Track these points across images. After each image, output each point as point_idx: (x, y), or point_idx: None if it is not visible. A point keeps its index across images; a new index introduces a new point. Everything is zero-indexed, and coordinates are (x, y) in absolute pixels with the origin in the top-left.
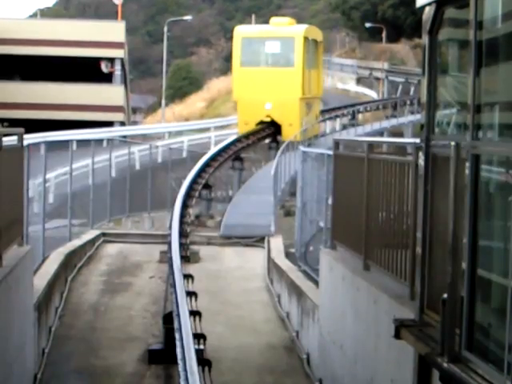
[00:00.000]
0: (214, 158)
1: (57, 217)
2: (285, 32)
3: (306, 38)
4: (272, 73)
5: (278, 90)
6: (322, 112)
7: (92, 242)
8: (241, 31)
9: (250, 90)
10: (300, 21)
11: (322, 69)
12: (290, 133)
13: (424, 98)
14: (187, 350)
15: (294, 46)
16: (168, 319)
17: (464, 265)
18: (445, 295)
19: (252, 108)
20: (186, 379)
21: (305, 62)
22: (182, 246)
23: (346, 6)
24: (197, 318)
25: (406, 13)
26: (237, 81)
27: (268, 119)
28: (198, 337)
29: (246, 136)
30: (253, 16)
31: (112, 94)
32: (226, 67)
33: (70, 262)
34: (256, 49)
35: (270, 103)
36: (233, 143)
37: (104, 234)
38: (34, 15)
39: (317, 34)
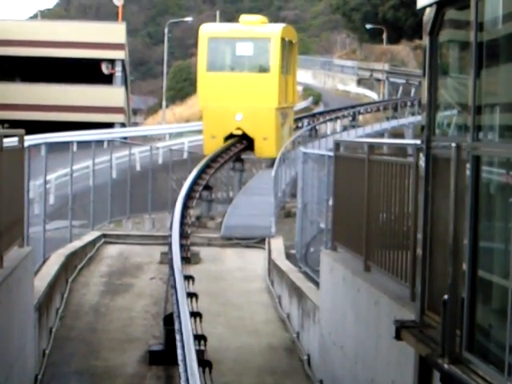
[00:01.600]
0: (214, 159)
1: (57, 218)
2: (259, 32)
3: (283, 39)
4: (244, 79)
5: (251, 98)
6: (321, 114)
7: (93, 243)
8: (207, 30)
9: (218, 99)
10: (301, 22)
11: (296, 74)
12: (264, 148)
13: (425, 100)
14: (188, 351)
15: (269, 48)
16: (169, 320)
17: (464, 266)
18: (445, 296)
19: (220, 119)
20: (187, 380)
21: (282, 66)
22: (182, 247)
23: (346, 8)
24: (197, 319)
25: (407, 14)
26: (202, 87)
27: (239, 132)
28: (199, 338)
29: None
30: (217, 12)
31: (112, 95)
32: None
33: (71, 263)
34: (225, 51)
35: (241, 114)
36: (233, 144)
37: (105, 235)
38: (34, 16)
39: (292, 34)
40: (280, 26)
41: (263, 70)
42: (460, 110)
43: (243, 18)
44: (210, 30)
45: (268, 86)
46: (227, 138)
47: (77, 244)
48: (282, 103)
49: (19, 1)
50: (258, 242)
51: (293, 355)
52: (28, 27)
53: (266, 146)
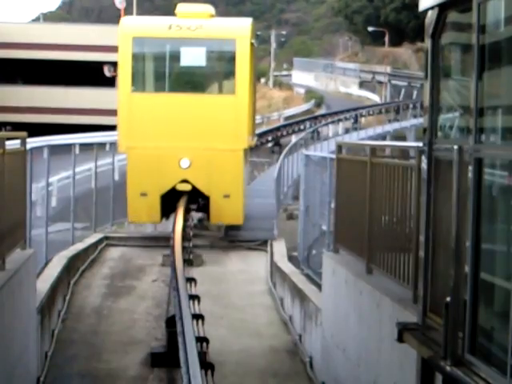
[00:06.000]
0: None
1: (60, 220)
2: (217, 30)
3: (251, 42)
4: (192, 104)
5: (205, 134)
6: (324, 116)
7: (95, 245)
8: (131, 27)
9: (151, 136)
10: (303, 25)
11: (256, 90)
12: (225, 210)
13: (427, 102)
14: (190, 353)
15: (235, 55)
16: (171, 322)
17: (467, 268)
18: (448, 299)
19: (154, 168)
20: (189, 382)
21: (251, 83)
22: (184, 249)
23: (348, 10)
24: (200, 322)
25: (409, 16)
26: (125, 118)
27: (185, 187)
28: (201, 340)
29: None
30: None
31: (115, 98)
32: None
33: (73, 266)
34: (161, 60)
35: (188, 159)
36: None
37: (107, 238)
38: (36, 19)
39: (254, 32)
40: (246, 21)
41: (224, 90)
42: (462, 112)
43: (181, 8)
44: (135, 26)
45: (232, 116)
46: (166, 197)
47: (79, 246)
48: (249, 140)
49: (21, 4)
50: (260, 244)
51: (295, 357)
52: (30, 30)
53: (227, 208)
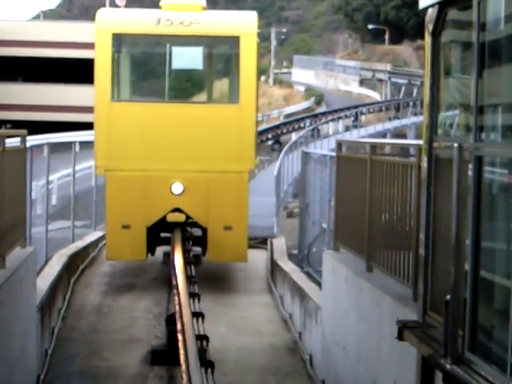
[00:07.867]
0: None
1: (60, 218)
2: (215, 26)
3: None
4: (187, 116)
5: (201, 153)
6: (324, 114)
7: (95, 243)
8: (110, 21)
9: (135, 155)
10: (304, 23)
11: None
12: (225, 245)
13: (427, 100)
14: (190, 351)
15: (238, 55)
16: (171, 320)
17: (467, 266)
18: (448, 297)
19: (140, 194)
20: (189, 380)
21: (256, 89)
22: (184, 247)
23: (348, 8)
24: (200, 320)
25: (409, 14)
26: (103, 132)
27: (178, 217)
28: (201, 338)
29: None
30: None
31: None
32: None
33: (73, 264)
34: (147, 62)
35: (181, 184)
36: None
37: None
38: (36, 17)
39: (258, 29)
40: (250, 15)
41: (226, 98)
42: (462, 110)
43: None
44: (116, 21)
45: (236, 130)
46: (153, 229)
47: (79, 244)
48: (254, 159)
49: (21, 2)
50: (261, 242)
51: (295, 355)
52: (30, 28)
53: (228, 242)
